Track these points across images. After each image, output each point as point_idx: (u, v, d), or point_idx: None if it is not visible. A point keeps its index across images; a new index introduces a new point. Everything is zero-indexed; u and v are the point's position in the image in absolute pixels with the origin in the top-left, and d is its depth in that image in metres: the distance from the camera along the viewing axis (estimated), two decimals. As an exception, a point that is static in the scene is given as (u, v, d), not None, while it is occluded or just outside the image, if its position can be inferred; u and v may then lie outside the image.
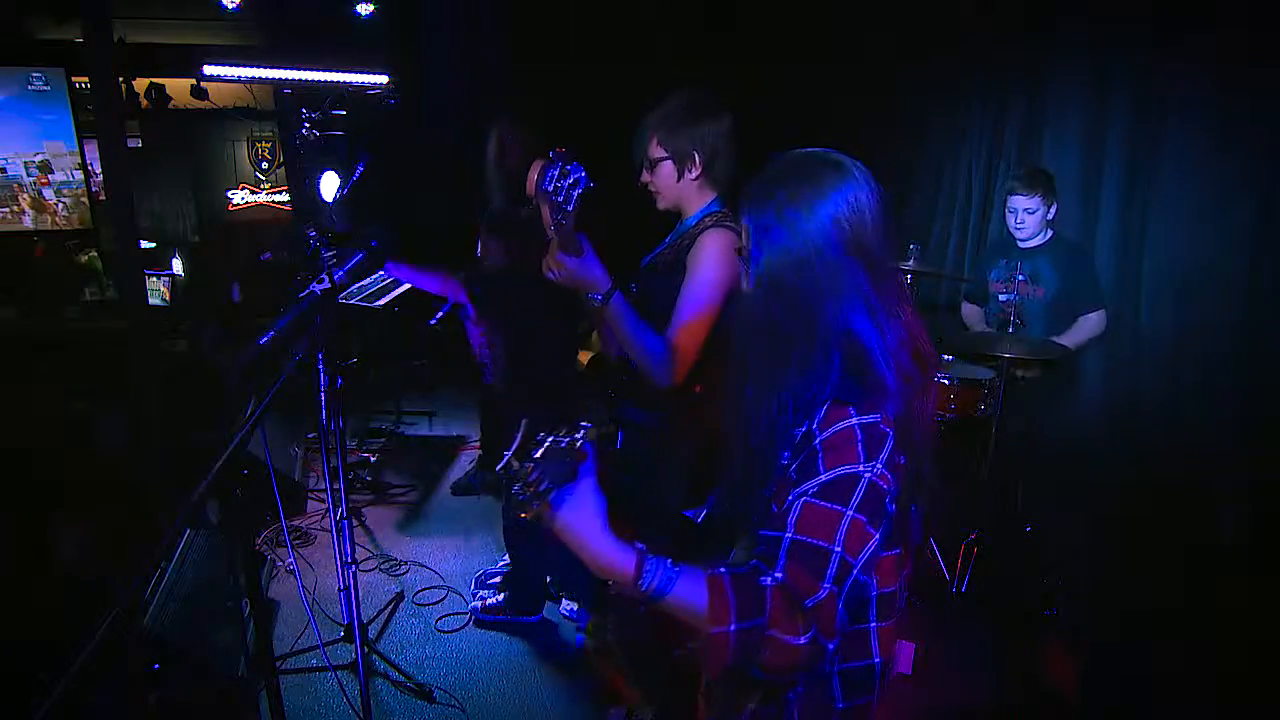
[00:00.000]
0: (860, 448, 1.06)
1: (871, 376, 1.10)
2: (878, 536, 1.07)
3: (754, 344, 1.19)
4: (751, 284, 1.19)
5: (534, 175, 1.52)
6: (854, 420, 1.07)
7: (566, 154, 1.50)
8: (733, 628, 1.00)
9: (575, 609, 3.18)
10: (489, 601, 3.14)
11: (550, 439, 1.07)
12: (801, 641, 1.01)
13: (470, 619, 3.14)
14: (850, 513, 1.04)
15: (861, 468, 1.05)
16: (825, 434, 1.08)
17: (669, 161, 1.99)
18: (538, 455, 1.05)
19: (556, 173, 1.50)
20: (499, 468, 1.04)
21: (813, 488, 1.06)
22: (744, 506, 1.20)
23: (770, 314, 1.16)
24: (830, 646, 1.04)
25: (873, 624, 1.17)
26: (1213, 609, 2.94)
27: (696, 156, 1.98)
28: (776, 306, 1.15)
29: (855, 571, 1.05)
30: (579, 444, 1.08)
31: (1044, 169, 3.42)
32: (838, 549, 1.03)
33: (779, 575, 1.03)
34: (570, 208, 1.54)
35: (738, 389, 1.19)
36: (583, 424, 1.10)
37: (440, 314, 3.54)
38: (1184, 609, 2.99)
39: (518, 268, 2.74)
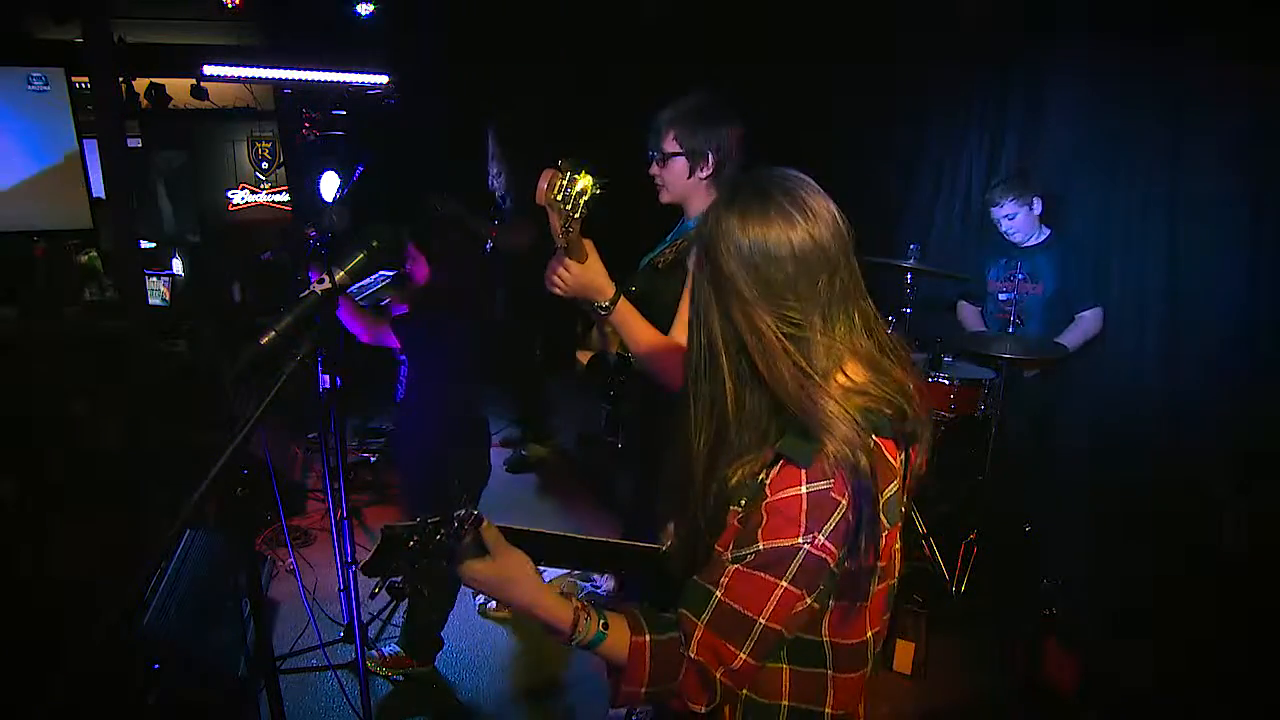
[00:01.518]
0: (803, 517, 1.01)
1: (810, 431, 1.03)
2: (810, 599, 1.05)
3: (687, 373, 1.15)
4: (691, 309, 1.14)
5: (542, 184, 1.51)
6: (801, 489, 1.02)
7: (574, 161, 1.50)
8: (644, 689, 1.10)
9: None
10: (385, 651, 2.90)
11: (415, 539, 1.08)
12: (702, 710, 1.09)
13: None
14: (783, 584, 1.03)
15: (800, 540, 1.01)
16: (773, 496, 1.03)
17: (682, 158, 2.00)
18: (401, 562, 1.08)
19: (564, 180, 1.49)
20: (362, 568, 1.07)
21: (750, 554, 1.04)
22: (696, 552, 1.17)
23: (695, 343, 1.13)
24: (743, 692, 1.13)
25: (828, 671, 1.13)
26: (1213, 609, 2.94)
27: (710, 157, 1.99)
28: (699, 335, 1.12)
29: (781, 634, 1.07)
30: (453, 538, 1.08)
31: (1017, 172, 3.44)
32: (762, 621, 1.04)
33: (692, 654, 1.07)
34: (577, 214, 1.53)
35: (682, 428, 1.15)
36: (456, 517, 1.08)
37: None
38: (1184, 609, 2.99)
39: (445, 295, 2.70)
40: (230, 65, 5.15)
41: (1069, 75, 3.89)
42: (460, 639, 3.03)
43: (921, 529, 3.22)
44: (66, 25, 4.40)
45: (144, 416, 3.85)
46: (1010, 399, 3.13)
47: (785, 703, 1.14)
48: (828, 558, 1.03)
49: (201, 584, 2.61)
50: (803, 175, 1.12)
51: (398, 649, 2.83)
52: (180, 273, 5.37)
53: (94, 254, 5.04)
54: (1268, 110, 3.18)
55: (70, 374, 4.01)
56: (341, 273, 2.20)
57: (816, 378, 1.05)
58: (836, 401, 1.04)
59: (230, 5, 4.90)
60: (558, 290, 1.69)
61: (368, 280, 4.39)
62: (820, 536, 1.02)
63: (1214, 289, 3.42)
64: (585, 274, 1.66)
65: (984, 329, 3.55)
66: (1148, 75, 3.56)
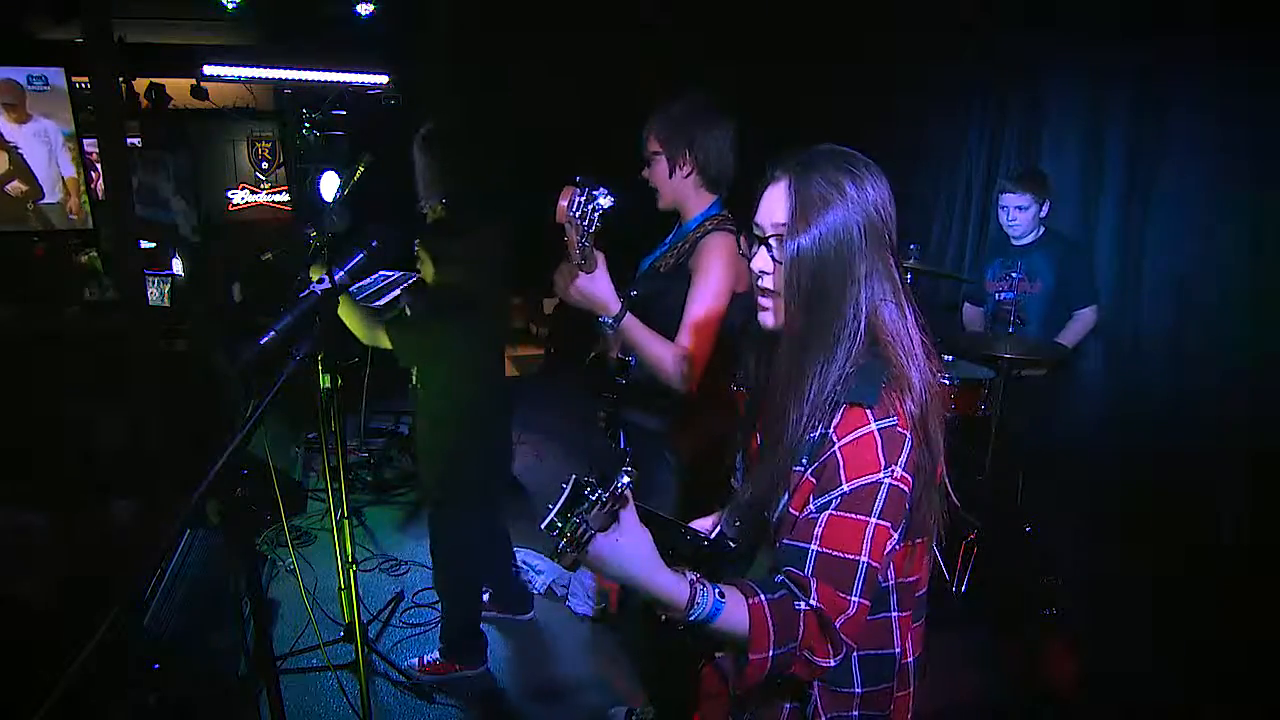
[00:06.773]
0: (880, 453, 1.07)
1: (892, 365, 1.10)
2: (897, 535, 1.10)
3: (791, 327, 1.16)
4: (791, 255, 1.14)
5: (563, 202, 1.56)
6: (872, 426, 1.08)
7: (590, 179, 1.54)
8: (770, 654, 1.06)
9: (581, 604, 3.18)
10: (426, 659, 2.85)
11: (594, 494, 1.06)
12: (831, 663, 1.09)
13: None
14: (874, 520, 1.07)
15: (881, 474, 1.07)
16: (843, 440, 1.09)
17: (663, 158, 2.04)
18: (582, 510, 1.04)
19: (582, 197, 1.53)
20: (542, 525, 1.05)
21: (836, 499, 1.08)
22: (764, 516, 1.19)
23: (807, 292, 1.14)
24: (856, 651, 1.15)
25: (893, 613, 1.22)
26: (1213, 609, 2.94)
27: (688, 155, 2.02)
28: (812, 283, 1.14)
29: (879, 571, 1.10)
30: (620, 491, 1.06)
31: (1039, 170, 3.44)
32: (864, 559, 1.07)
33: (813, 601, 1.07)
34: (591, 229, 1.58)
35: (774, 392, 1.18)
36: (624, 473, 1.08)
37: None
38: (1184, 609, 2.99)
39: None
40: (230, 65, 5.15)
41: (1069, 75, 3.90)
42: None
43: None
44: (66, 25, 4.40)
45: (144, 416, 3.85)
46: (1010, 399, 3.13)
47: (856, 650, 1.19)
48: (906, 488, 1.09)
49: (201, 584, 2.61)
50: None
51: (438, 655, 2.81)
52: (180, 273, 5.36)
53: (94, 254, 5.04)
54: (1269, 109, 3.18)
55: (70, 374, 4.01)
56: (342, 272, 2.20)
57: (904, 316, 1.15)
58: (904, 332, 1.14)
59: (231, 6, 4.89)
60: (567, 300, 1.75)
61: (368, 280, 4.39)
62: (898, 468, 1.08)
63: (1215, 289, 3.42)
64: (592, 286, 1.72)
65: (987, 330, 3.55)
66: (1148, 75, 3.57)
